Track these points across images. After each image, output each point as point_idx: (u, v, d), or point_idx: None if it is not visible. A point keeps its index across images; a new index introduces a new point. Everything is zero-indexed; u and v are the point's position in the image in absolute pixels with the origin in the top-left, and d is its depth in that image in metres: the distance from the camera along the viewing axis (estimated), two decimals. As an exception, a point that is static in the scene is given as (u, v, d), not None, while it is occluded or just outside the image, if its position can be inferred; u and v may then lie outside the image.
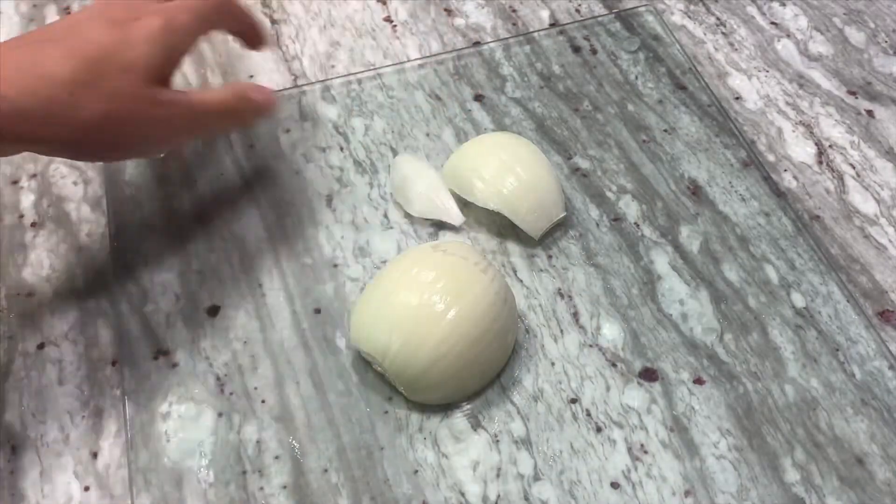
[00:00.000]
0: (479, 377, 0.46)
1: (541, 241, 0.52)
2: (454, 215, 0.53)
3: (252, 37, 0.54)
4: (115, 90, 0.43)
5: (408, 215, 0.53)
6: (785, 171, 0.55)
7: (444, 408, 0.46)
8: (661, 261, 0.51)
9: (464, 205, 0.53)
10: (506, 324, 0.45)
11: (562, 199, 0.53)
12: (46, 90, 0.41)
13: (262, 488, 0.43)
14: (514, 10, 0.65)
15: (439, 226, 0.53)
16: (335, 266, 0.51)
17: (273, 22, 0.66)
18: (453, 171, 0.54)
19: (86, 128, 0.42)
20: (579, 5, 0.65)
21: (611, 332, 0.48)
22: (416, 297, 0.44)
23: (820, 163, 0.56)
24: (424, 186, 0.54)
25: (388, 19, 0.65)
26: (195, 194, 0.55)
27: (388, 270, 0.47)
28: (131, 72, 0.44)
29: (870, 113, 0.58)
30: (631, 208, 0.53)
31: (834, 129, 0.57)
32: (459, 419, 0.45)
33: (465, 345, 0.43)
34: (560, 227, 0.53)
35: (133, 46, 0.44)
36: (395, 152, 0.56)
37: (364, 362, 0.47)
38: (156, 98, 0.45)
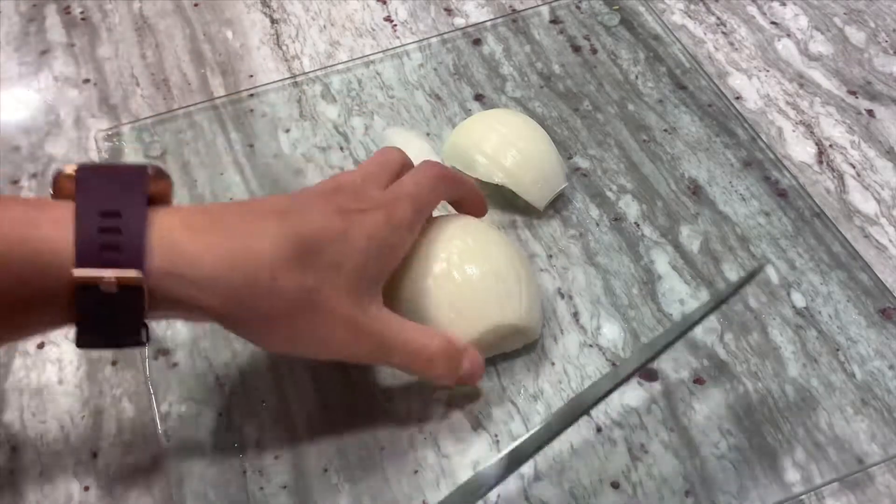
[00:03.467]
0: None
1: (544, 213, 0.53)
2: None
3: (469, 206, 0.49)
4: (314, 289, 0.39)
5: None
6: (785, 170, 0.55)
7: (445, 407, 0.46)
8: (661, 260, 0.51)
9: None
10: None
11: (563, 169, 0.54)
12: (249, 267, 0.37)
13: (262, 488, 0.43)
14: (514, 10, 0.65)
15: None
16: (335, 266, 0.51)
17: (273, 22, 0.66)
18: (454, 149, 0.54)
19: (272, 315, 0.39)
20: (579, 2, 0.65)
21: (611, 332, 0.48)
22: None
23: (820, 162, 0.56)
24: (415, 158, 0.54)
25: (388, 19, 0.65)
26: (195, 194, 0.55)
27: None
28: (341, 273, 0.39)
29: (870, 112, 0.58)
30: (631, 208, 0.53)
31: (834, 129, 0.57)
32: (459, 419, 0.45)
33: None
34: (561, 226, 0.53)
35: (351, 241, 0.40)
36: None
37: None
38: (355, 319, 0.40)
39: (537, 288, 0.48)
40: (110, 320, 0.36)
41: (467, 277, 0.45)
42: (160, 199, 0.38)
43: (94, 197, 0.36)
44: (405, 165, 0.47)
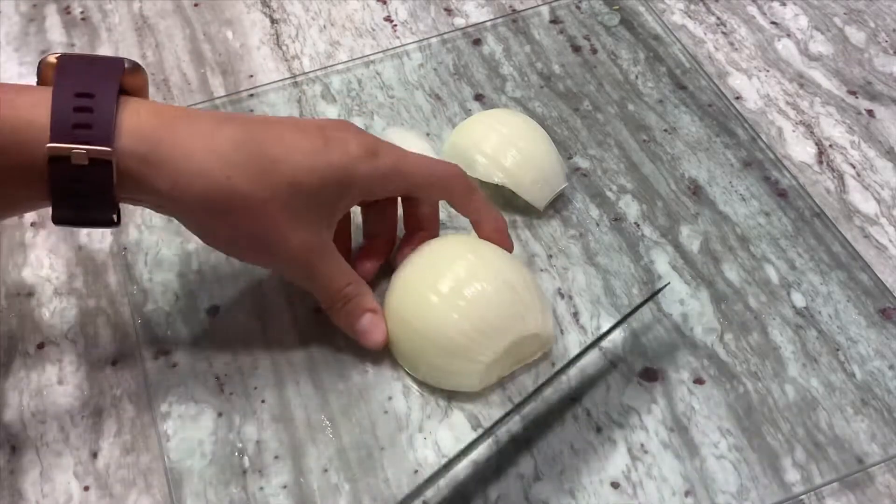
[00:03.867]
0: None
1: (544, 213, 0.53)
2: None
3: (485, 231, 0.49)
4: (267, 199, 0.41)
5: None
6: (785, 170, 0.55)
7: (445, 408, 0.46)
8: (661, 261, 0.51)
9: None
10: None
11: (563, 169, 0.54)
12: (204, 161, 0.40)
13: (262, 488, 0.43)
14: (514, 10, 0.65)
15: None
16: (335, 266, 0.51)
17: (273, 22, 0.66)
18: (454, 149, 0.54)
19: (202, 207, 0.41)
20: (579, 2, 0.65)
21: (611, 332, 0.48)
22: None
23: (820, 162, 0.56)
24: None
25: (388, 19, 0.65)
26: (195, 194, 0.55)
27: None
28: (297, 191, 0.42)
29: (870, 112, 0.58)
30: (631, 208, 0.53)
31: (834, 129, 0.57)
32: (459, 419, 0.45)
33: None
34: (561, 226, 0.53)
35: (315, 162, 0.42)
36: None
37: (364, 360, 0.47)
38: (297, 240, 0.43)
39: (543, 292, 0.48)
40: (82, 194, 0.39)
41: (481, 294, 0.44)
42: (136, 92, 0.42)
43: (71, 80, 0.39)
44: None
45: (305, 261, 0.44)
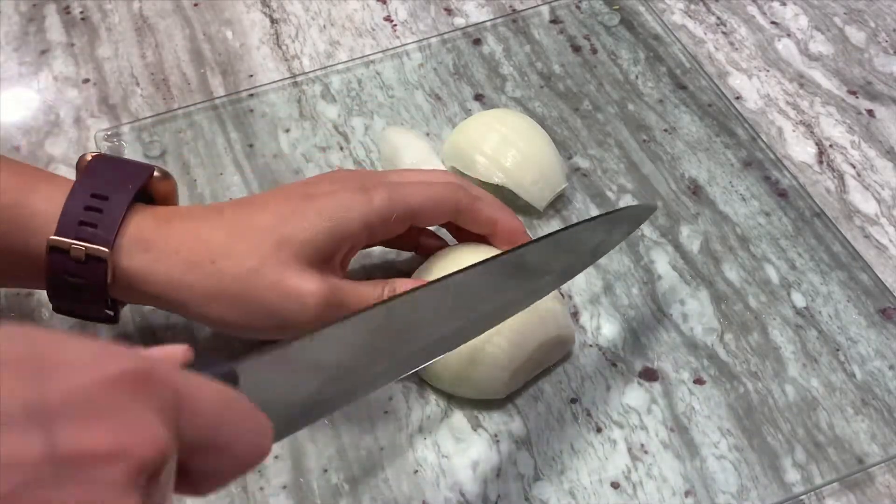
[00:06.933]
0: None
1: (544, 213, 0.53)
2: None
3: (503, 239, 0.46)
4: (254, 268, 0.41)
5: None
6: (785, 170, 0.55)
7: (445, 408, 0.46)
8: (662, 261, 0.51)
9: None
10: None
11: (563, 169, 0.53)
12: (191, 252, 0.41)
13: (262, 488, 0.43)
14: (514, 10, 0.65)
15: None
16: (335, 266, 0.51)
17: (273, 22, 0.66)
18: (453, 149, 0.54)
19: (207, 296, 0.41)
20: (579, 2, 0.65)
21: (611, 332, 0.48)
22: None
23: (820, 162, 0.56)
24: (415, 157, 0.54)
25: (388, 19, 0.65)
26: (195, 193, 0.55)
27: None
28: (289, 247, 0.41)
29: (870, 112, 0.58)
30: (631, 208, 0.53)
31: (834, 129, 0.57)
32: (459, 419, 0.45)
33: None
34: (561, 226, 0.53)
35: (304, 216, 0.42)
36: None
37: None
38: (302, 289, 0.41)
39: (559, 292, 0.48)
40: (76, 287, 0.41)
41: None
42: (164, 198, 0.44)
43: (93, 181, 0.41)
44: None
45: (329, 305, 0.41)
